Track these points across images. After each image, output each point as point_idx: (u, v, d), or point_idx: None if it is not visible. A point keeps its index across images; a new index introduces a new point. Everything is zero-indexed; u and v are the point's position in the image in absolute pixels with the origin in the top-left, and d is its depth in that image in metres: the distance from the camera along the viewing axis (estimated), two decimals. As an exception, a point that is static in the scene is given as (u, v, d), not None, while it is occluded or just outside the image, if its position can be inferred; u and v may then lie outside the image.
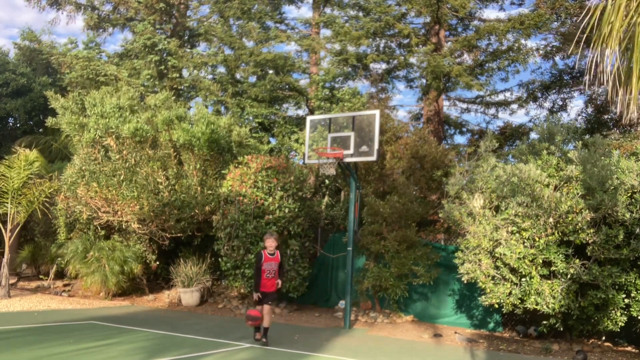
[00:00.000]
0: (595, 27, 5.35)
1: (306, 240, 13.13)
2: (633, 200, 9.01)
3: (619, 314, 8.95)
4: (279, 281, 8.83)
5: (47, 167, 14.84)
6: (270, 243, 8.73)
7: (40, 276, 16.70)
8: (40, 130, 22.24)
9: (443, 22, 18.64)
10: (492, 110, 22.30)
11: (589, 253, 9.16)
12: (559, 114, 20.32)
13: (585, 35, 5.58)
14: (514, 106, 21.63)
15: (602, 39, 5.20)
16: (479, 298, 10.06)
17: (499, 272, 9.59)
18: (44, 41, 24.56)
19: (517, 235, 9.50)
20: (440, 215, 11.07)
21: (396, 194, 12.03)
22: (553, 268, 9.20)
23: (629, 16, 5.20)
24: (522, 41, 17.31)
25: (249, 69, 19.56)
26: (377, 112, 11.10)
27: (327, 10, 21.22)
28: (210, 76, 22.09)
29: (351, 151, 11.00)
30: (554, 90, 20.41)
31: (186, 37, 23.33)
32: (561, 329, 9.63)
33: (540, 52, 19.46)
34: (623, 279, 8.87)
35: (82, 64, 19.97)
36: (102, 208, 13.35)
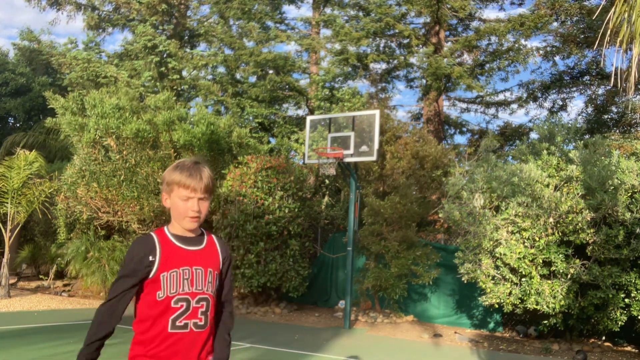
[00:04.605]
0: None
1: (306, 240, 13.13)
2: (633, 200, 9.02)
3: (618, 313, 8.95)
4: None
5: (46, 164, 14.75)
6: (192, 200, 2.29)
7: (40, 276, 16.68)
8: (36, 128, 22.24)
9: (443, 23, 18.63)
10: (492, 110, 22.32)
11: (589, 253, 9.16)
12: (559, 114, 20.34)
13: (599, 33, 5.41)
14: (514, 106, 21.64)
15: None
16: (479, 298, 10.07)
17: (499, 272, 9.59)
18: (44, 41, 24.53)
19: (517, 235, 9.49)
20: (440, 215, 11.07)
21: (396, 194, 12.03)
22: (553, 268, 9.20)
23: None
24: (522, 41, 17.33)
25: (249, 69, 19.55)
26: (377, 112, 11.10)
27: (327, 10, 21.21)
28: (210, 76, 22.09)
29: (351, 151, 10.99)
30: (554, 90, 20.42)
31: (186, 38, 23.32)
32: (561, 329, 9.63)
33: (540, 52, 19.47)
34: (623, 279, 8.87)
35: (82, 65, 19.98)
36: (102, 208, 13.35)
